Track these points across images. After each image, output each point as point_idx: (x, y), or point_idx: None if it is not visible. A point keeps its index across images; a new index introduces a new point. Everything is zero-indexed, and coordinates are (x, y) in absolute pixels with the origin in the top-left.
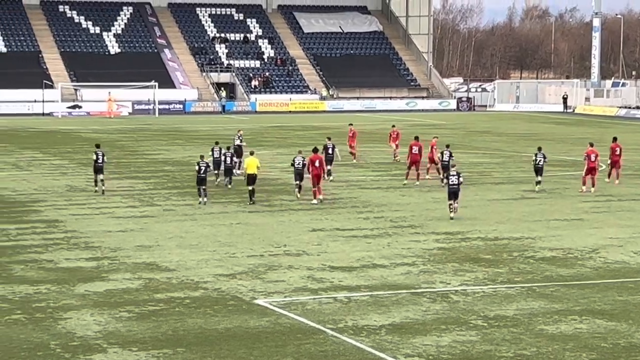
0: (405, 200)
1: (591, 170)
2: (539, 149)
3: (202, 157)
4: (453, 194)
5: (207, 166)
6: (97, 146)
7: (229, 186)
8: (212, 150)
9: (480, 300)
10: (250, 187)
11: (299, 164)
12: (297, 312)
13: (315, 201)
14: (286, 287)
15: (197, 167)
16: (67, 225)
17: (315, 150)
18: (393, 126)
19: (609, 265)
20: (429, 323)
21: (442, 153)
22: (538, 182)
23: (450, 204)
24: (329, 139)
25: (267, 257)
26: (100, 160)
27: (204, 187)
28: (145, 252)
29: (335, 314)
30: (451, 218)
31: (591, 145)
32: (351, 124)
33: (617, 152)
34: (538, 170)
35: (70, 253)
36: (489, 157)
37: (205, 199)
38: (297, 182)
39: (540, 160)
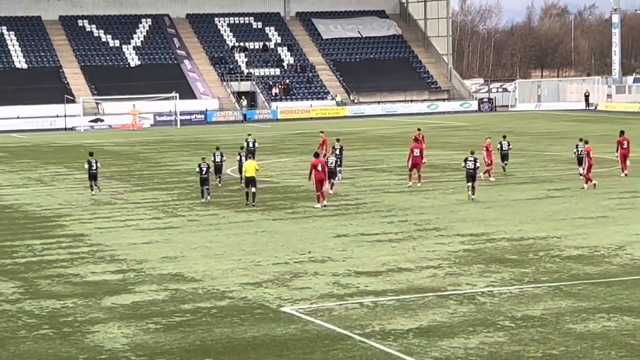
0: (429, 203)
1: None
2: (504, 137)
3: (203, 158)
4: (471, 177)
5: (208, 167)
6: (91, 154)
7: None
8: (214, 154)
9: (507, 301)
10: (248, 190)
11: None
12: (324, 319)
13: (318, 205)
14: (312, 294)
15: (198, 169)
16: (92, 239)
17: (316, 155)
18: (419, 129)
19: (636, 262)
20: (456, 325)
21: (500, 143)
22: (504, 167)
23: (469, 186)
24: (338, 140)
25: (292, 264)
26: (94, 168)
27: (207, 187)
28: (171, 263)
29: (362, 319)
30: (472, 199)
31: (586, 142)
32: (322, 132)
33: (625, 146)
34: (504, 157)
35: (96, 266)
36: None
37: (208, 197)
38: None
39: (506, 148)
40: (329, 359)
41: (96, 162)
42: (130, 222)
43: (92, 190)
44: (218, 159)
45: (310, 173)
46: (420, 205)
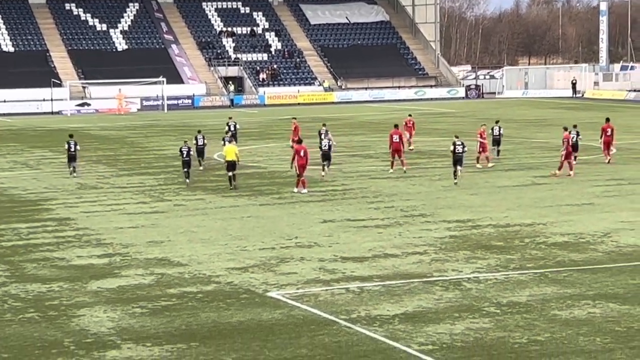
0: (416, 190)
1: (568, 155)
2: (497, 122)
3: (185, 142)
4: (457, 161)
5: (189, 150)
6: (71, 136)
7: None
8: (196, 138)
9: (493, 287)
10: (230, 173)
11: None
12: (310, 304)
13: (296, 190)
14: (298, 279)
15: (179, 152)
16: (78, 223)
17: (299, 141)
18: (409, 115)
19: (621, 249)
20: (442, 311)
21: (492, 129)
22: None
23: (455, 171)
24: (324, 125)
25: (279, 249)
26: (72, 149)
27: (187, 169)
28: (157, 248)
29: (348, 305)
30: (455, 183)
31: (565, 129)
32: (294, 118)
33: (609, 133)
34: (497, 142)
35: (82, 250)
36: None
37: (187, 181)
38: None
39: (497, 133)
40: (314, 344)
41: (75, 144)
42: (116, 207)
43: (69, 169)
44: (200, 142)
45: (293, 159)
46: (407, 192)
